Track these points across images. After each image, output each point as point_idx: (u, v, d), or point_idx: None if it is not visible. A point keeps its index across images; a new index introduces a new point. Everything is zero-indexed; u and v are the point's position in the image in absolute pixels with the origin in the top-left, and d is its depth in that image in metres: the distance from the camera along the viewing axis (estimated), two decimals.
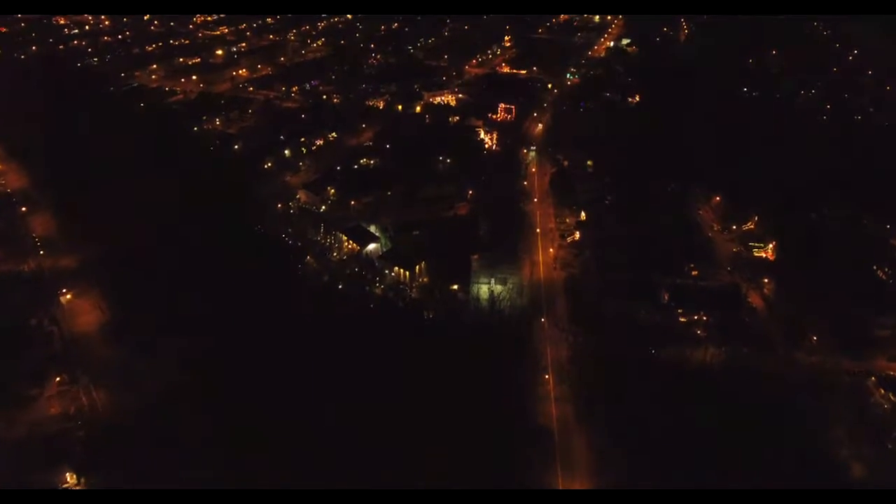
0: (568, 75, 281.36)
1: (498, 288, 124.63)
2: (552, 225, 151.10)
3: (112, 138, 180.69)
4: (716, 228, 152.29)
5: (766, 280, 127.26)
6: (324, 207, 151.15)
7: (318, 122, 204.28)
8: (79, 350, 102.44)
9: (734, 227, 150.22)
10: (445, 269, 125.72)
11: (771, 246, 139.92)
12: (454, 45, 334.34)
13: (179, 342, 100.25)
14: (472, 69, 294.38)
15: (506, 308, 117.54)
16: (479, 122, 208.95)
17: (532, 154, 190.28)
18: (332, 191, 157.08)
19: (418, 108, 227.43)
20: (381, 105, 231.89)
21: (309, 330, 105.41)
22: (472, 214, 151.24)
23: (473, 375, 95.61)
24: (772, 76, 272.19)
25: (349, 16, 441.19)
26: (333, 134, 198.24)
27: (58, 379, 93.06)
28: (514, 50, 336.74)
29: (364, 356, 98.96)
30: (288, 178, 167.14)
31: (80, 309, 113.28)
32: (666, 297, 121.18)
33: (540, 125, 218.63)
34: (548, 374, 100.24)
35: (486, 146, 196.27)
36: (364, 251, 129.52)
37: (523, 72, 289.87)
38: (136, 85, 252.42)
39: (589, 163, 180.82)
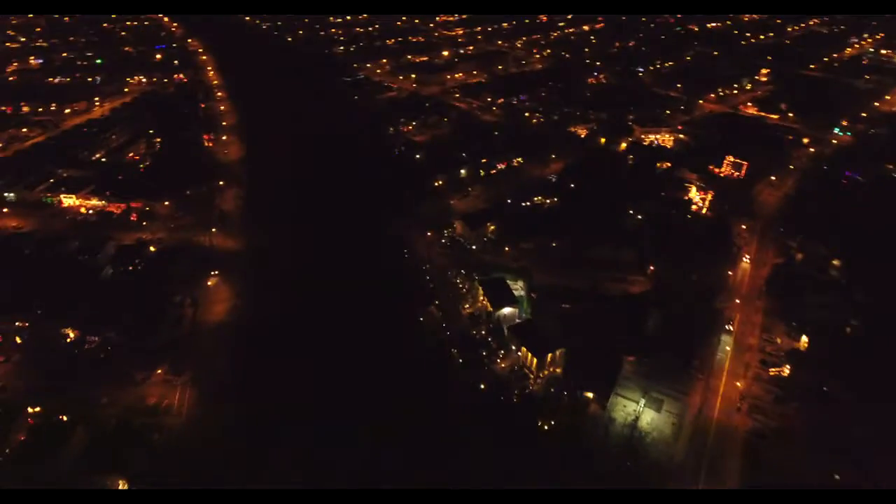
0: (836, 130, 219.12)
1: (647, 415, 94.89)
2: (754, 342, 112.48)
3: (315, 133, 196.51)
4: None
5: None
6: (475, 246, 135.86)
7: (507, 143, 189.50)
8: (199, 340, 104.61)
9: None
10: (585, 367, 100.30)
11: None
12: (694, 72, 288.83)
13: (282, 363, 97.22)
14: (707, 104, 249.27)
15: (647, 449, 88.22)
16: (694, 176, 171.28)
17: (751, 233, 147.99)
18: (492, 227, 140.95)
19: (623, 145, 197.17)
20: (584, 134, 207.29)
21: (403, 395, 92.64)
22: (645, 297, 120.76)
23: None
24: None
25: (585, 27, 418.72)
26: (519, 159, 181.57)
27: (159, 371, 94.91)
28: (769, 86, 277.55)
29: (449, 452, 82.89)
30: (454, 202, 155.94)
31: (220, 295, 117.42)
32: None
33: (777, 193, 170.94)
34: None
35: (695, 208, 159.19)
36: (496, 314, 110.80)
37: (774, 116, 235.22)
38: (360, 77, 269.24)
39: (835, 263, 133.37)
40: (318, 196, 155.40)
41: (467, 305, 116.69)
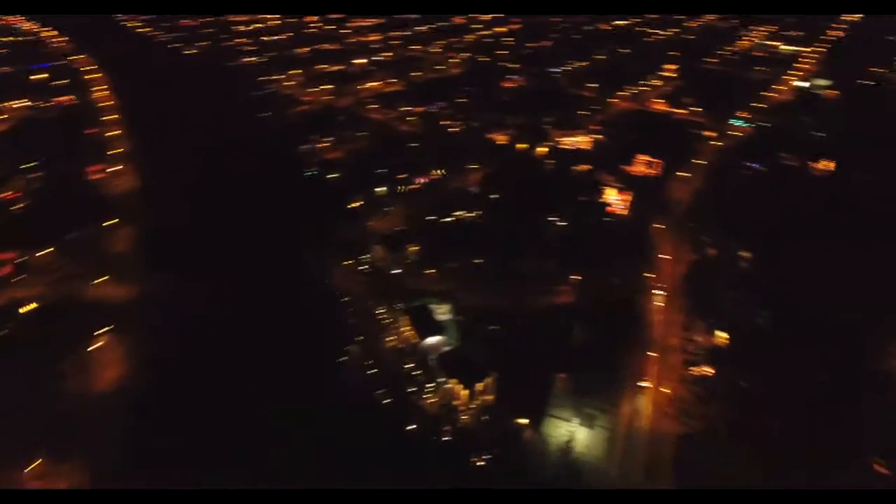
0: (735, 122, 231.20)
1: (581, 433, 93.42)
2: (676, 342, 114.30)
3: (220, 157, 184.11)
4: None
5: None
6: (397, 271, 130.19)
7: (426, 155, 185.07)
8: (86, 418, 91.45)
9: None
10: (517, 392, 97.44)
11: None
12: (605, 71, 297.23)
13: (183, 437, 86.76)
14: (619, 103, 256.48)
15: (583, 469, 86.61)
16: (611, 178, 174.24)
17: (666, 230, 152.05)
18: (414, 249, 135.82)
19: (541, 150, 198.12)
20: (502, 140, 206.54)
21: (326, 447, 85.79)
22: (570, 308, 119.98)
23: None
24: None
25: (503, 28, 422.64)
26: (438, 172, 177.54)
27: (37, 462, 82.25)
28: (676, 82, 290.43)
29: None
30: (372, 224, 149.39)
31: (108, 361, 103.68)
32: None
33: (689, 189, 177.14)
34: None
35: (614, 210, 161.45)
36: (422, 345, 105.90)
37: (681, 111, 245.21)
38: (270, 91, 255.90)
39: (745, 255, 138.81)
40: (225, 228, 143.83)
41: (392, 338, 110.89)
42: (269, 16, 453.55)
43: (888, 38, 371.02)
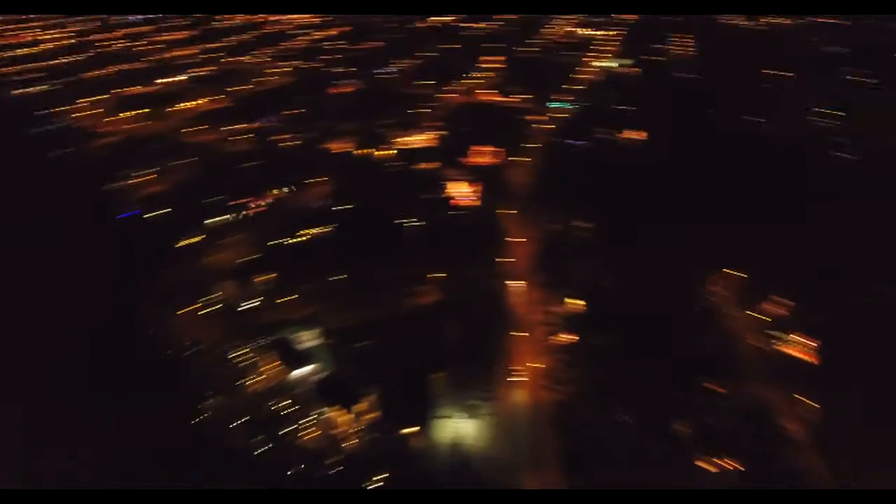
0: (554, 104, 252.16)
1: (467, 426, 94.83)
2: (539, 318, 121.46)
3: (11, 208, 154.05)
4: (734, 312, 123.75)
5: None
6: (250, 306, 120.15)
7: (264, 176, 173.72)
8: None
9: (756, 309, 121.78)
10: (399, 403, 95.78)
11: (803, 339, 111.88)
12: (433, 68, 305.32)
13: None
14: (450, 97, 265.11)
15: (475, 460, 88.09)
16: (456, 171, 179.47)
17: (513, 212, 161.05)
18: (266, 277, 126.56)
19: (384, 153, 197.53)
20: (342, 148, 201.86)
21: None
22: (436, 306, 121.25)
23: None
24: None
25: (329, 32, 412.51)
26: (280, 191, 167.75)
27: None
28: (500, 72, 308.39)
29: None
30: (214, 259, 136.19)
31: None
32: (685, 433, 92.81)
33: (526, 172, 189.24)
34: None
35: (462, 203, 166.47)
36: (291, 378, 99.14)
37: (509, 98, 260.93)
38: (61, 125, 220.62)
39: (581, 225, 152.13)
40: (32, 298, 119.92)
41: (257, 379, 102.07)
42: (47, 35, 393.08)
43: (665, 18, 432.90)
